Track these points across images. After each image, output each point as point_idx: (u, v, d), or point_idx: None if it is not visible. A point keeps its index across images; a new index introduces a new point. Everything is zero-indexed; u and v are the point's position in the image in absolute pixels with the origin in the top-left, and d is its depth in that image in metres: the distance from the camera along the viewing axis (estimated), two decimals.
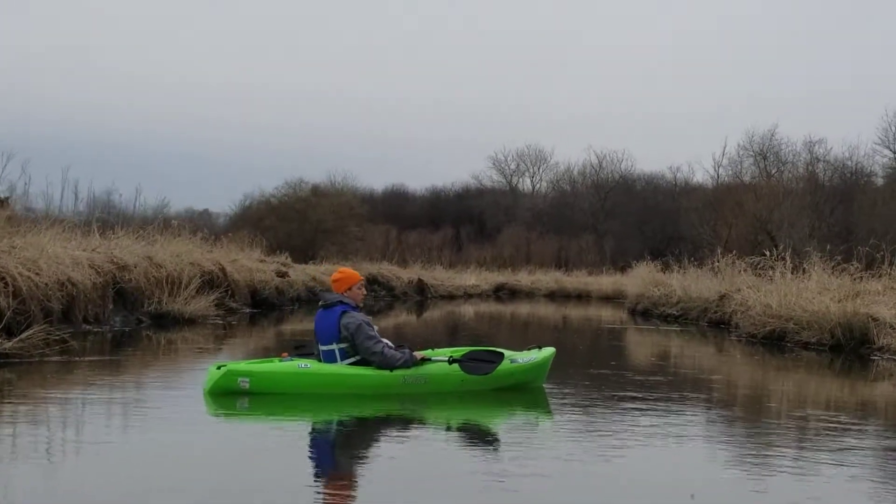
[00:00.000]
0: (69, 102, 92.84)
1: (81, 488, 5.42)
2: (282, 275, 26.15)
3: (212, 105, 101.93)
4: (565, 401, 9.42)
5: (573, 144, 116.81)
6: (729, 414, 9.42)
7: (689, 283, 25.55)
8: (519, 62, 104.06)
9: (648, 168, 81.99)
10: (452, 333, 19.21)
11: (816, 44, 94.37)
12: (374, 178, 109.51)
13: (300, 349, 9.49)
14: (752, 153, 58.20)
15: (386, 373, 8.81)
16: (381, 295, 35.64)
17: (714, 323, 21.81)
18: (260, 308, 23.29)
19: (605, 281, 47.52)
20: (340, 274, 9.43)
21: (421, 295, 39.04)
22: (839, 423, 8.48)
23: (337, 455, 6.90)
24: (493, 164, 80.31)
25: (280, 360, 8.91)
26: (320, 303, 9.16)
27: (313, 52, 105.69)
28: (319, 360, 8.94)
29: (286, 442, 7.05)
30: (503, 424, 8.37)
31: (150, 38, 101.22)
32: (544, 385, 9.90)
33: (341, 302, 8.97)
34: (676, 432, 7.74)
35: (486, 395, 9.20)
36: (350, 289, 9.18)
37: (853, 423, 8.55)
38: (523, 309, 34.95)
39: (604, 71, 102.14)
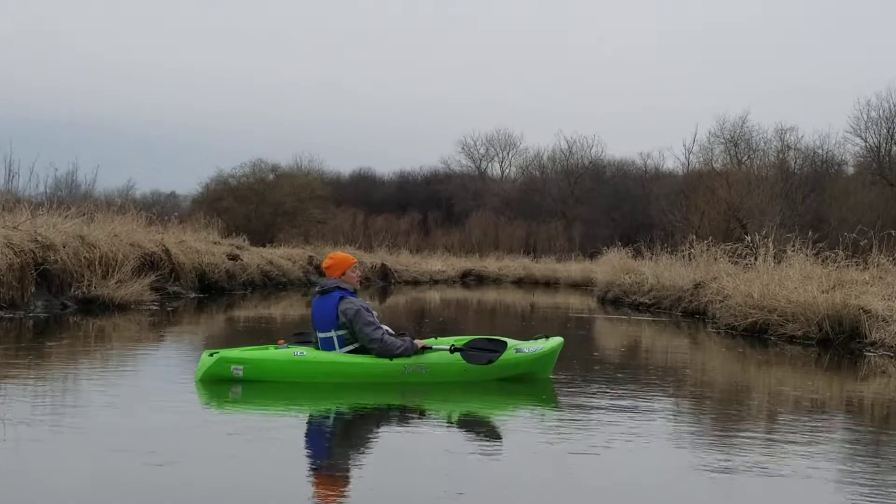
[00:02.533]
0: (38, 86, 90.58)
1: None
2: (233, 258, 24.80)
3: (185, 89, 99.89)
4: (535, 395, 8.95)
5: (543, 130, 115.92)
6: (712, 412, 8.60)
7: (662, 271, 24.48)
8: (491, 50, 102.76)
9: (619, 154, 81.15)
10: (417, 321, 18.03)
11: (788, 33, 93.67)
12: (342, 163, 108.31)
13: (299, 336, 9.20)
14: (722, 140, 57.43)
15: (385, 361, 8.58)
16: None
17: (689, 313, 20.70)
18: (208, 293, 21.95)
19: (574, 268, 46.65)
20: (332, 259, 9.08)
21: (384, 280, 37.92)
22: (827, 423, 8.04)
23: (333, 446, 6.62)
24: (463, 148, 79.58)
25: (276, 348, 8.70)
26: (316, 289, 8.98)
27: (289, 42, 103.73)
28: (318, 348, 8.70)
29: (281, 432, 6.75)
30: (507, 417, 8.00)
31: (123, 24, 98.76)
32: (552, 376, 9.51)
33: (339, 287, 8.70)
34: (655, 431, 7.23)
35: (489, 386, 8.90)
36: (344, 273, 8.89)
37: (841, 423, 8.14)
38: (490, 296, 34.01)
39: (575, 58, 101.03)
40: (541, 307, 27.31)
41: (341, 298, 8.58)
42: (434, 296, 31.16)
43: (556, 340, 9.54)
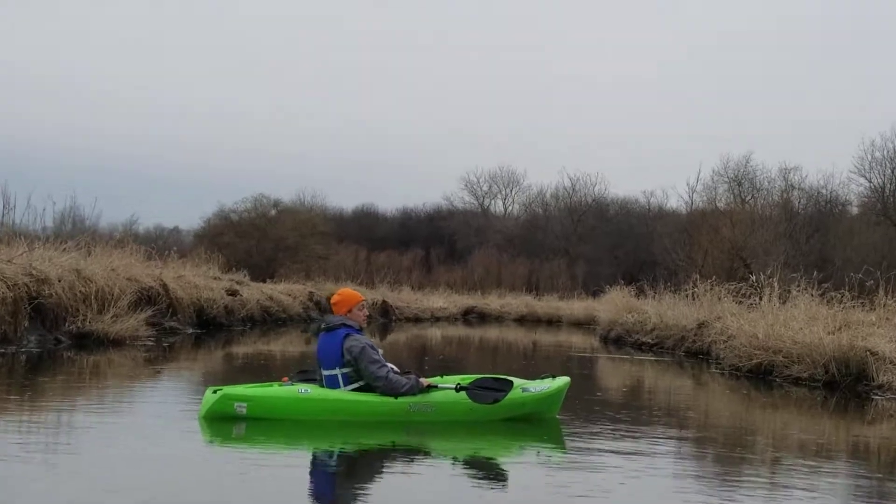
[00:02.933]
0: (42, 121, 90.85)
1: None
2: (232, 293, 24.56)
3: (185, 123, 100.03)
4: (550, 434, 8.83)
5: (546, 167, 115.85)
6: (716, 456, 8.36)
7: (665, 310, 24.18)
8: (494, 85, 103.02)
9: (622, 193, 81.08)
10: (418, 359, 17.80)
11: (794, 73, 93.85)
12: (345, 199, 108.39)
13: (303, 374, 9.14)
14: (726, 179, 57.42)
15: (390, 399, 8.52)
16: None
17: (692, 353, 20.40)
18: (206, 329, 21.71)
19: (577, 306, 46.31)
20: (340, 296, 9.07)
21: (385, 317, 37.65)
22: (832, 468, 7.85)
23: (337, 485, 6.58)
24: (466, 185, 79.54)
25: (280, 385, 8.63)
26: (322, 325, 8.90)
27: (292, 76, 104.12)
28: (322, 386, 8.66)
29: (283, 470, 6.73)
30: (513, 457, 7.93)
31: (130, 60, 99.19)
32: (559, 416, 9.41)
33: (344, 324, 8.69)
34: (660, 474, 7.13)
35: (495, 426, 8.76)
36: (351, 310, 8.89)
37: (847, 469, 7.95)
38: (492, 333, 33.71)
39: (579, 96, 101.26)
40: (543, 346, 27.02)
41: (346, 336, 8.56)
42: (435, 333, 30.85)
43: (562, 380, 9.41)
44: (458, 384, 8.79)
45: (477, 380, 8.96)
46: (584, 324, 39.90)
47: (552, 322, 45.44)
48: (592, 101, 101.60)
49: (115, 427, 8.11)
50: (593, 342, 27.60)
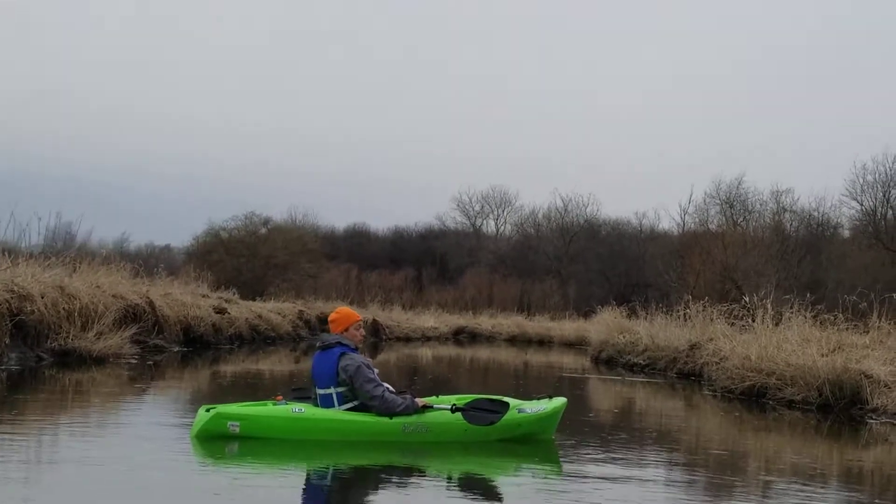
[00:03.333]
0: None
1: None
2: (220, 311, 24.31)
3: (181, 139, 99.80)
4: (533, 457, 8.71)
5: (538, 188, 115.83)
6: (708, 480, 8.23)
7: (657, 331, 24.02)
8: (488, 106, 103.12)
9: (614, 213, 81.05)
10: (408, 379, 17.58)
11: (786, 95, 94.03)
12: (337, 218, 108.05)
13: (297, 392, 9.10)
14: (718, 201, 57.45)
15: (385, 420, 8.44)
16: None
17: (684, 374, 20.22)
18: (193, 347, 21.46)
19: (568, 326, 46.19)
20: (337, 314, 9.01)
21: (375, 336, 37.41)
22: (825, 493, 7.67)
23: None
24: (458, 205, 79.46)
25: (274, 404, 8.53)
26: (318, 344, 8.84)
27: (285, 94, 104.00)
28: (316, 405, 8.57)
29: (278, 490, 6.68)
30: (508, 479, 7.85)
31: (113, 71, 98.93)
32: (557, 436, 9.39)
33: (340, 343, 8.63)
34: (652, 498, 7.04)
35: (491, 447, 8.69)
36: (347, 329, 8.83)
37: (840, 494, 7.80)
38: (483, 353, 33.53)
39: (572, 117, 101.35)
40: (534, 366, 26.82)
41: (342, 355, 8.48)
42: (426, 353, 30.68)
43: (559, 401, 9.36)
44: (454, 405, 8.70)
45: (473, 401, 8.90)
46: (575, 344, 39.77)
47: (543, 342, 45.28)
48: (586, 122, 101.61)
49: (101, 446, 7.99)
50: (584, 363, 27.43)
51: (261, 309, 29.62)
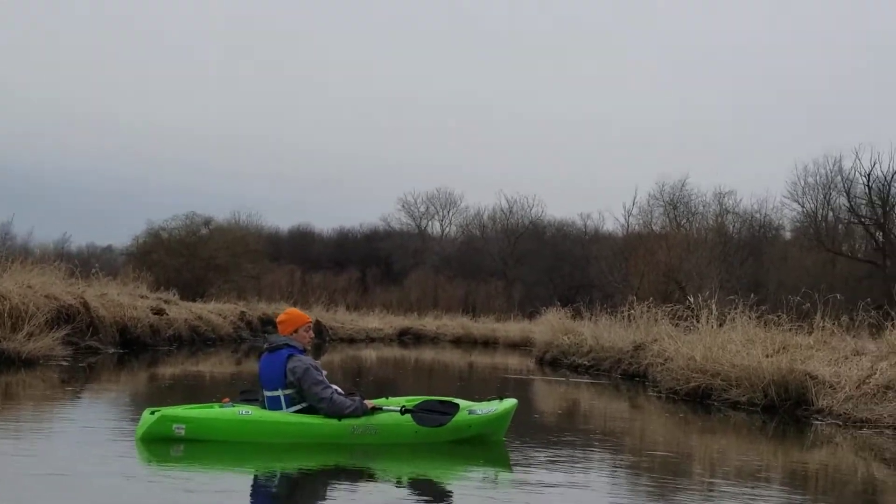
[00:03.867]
0: None
1: None
2: (158, 312, 23.78)
3: (123, 140, 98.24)
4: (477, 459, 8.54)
5: (484, 189, 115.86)
6: (651, 483, 8.04)
7: (602, 332, 23.97)
8: (432, 108, 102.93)
9: (559, 215, 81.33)
10: (352, 380, 17.29)
11: (728, 97, 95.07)
12: (281, 219, 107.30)
13: (245, 394, 8.91)
14: (662, 203, 57.92)
15: (334, 422, 8.33)
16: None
17: (629, 375, 20.14)
18: (130, 348, 20.94)
19: (513, 328, 46.16)
20: (287, 315, 8.90)
21: (319, 337, 36.95)
22: (769, 494, 7.55)
23: None
24: (403, 206, 79.28)
25: (220, 406, 8.40)
26: (265, 346, 8.72)
27: (229, 94, 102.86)
28: (264, 407, 8.44)
29: (225, 493, 6.59)
30: (458, 481, 7.71)
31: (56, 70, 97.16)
32: (507, 438, 9.31)
33: (288, 345, 8.51)
34: (596, 500, 6.98)
35: (440, 449, 8.62)
36: (297, 331, 8.72)
37: (784, 495, 7.66)
38: (427, 355, 33.31)
39: (516, 118, 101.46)
40: (479, 367, 26.62)
41: (290, 356, 8.37)
42: (370, 354, 30.41)
43: (509, 402, 9.28)
44: (403, 406, 8.62)
45: (422, 402, 8.80)
46: (520, 345, 39.71)
47: (488, 344, 45.23)
48: (530, 123, 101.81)
49: (38, 453, 7.70)
50: (529, 364, 27.32)
51: (201, 310, 29.09)
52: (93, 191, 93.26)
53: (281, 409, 8.37)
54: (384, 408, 8.67)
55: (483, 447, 8.92)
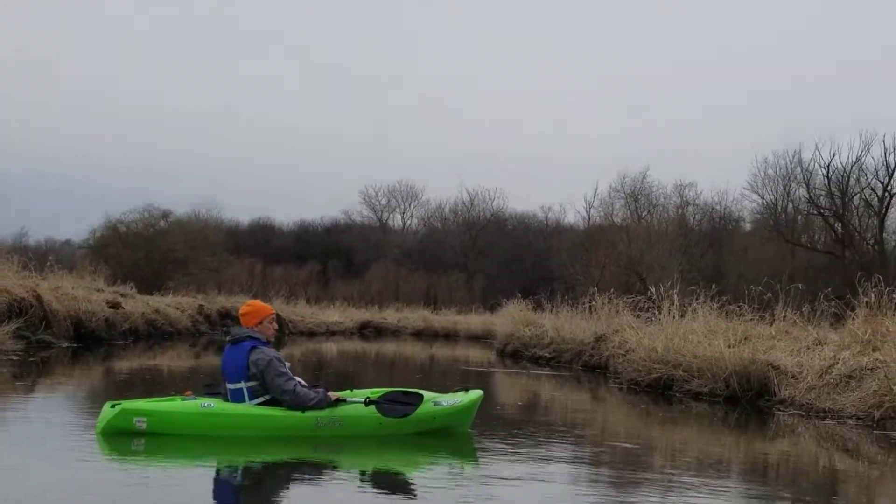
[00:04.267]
0: None
1: None
2: (114, 305, 23.39)
3: (76, 130, 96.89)
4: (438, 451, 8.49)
5: (445, 182, 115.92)
6: (612, 475, 8.03)
7: (563, 324, 23.89)
8: (394, 99, 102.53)
9: (521, 207, 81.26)
10: (311, 374, 17.08)
11: (687, 88, 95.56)
12: (241, 212, 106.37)
13: (209, 387, 8.79)
14: (623, 195, 57.91)
15: (297, 414, 8.26)
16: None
17: (590, 367, 20.07)
18: (84, 342, 20.56)
19: (474, 320, 46.11)
20: (250, 307, 8.82)
21: (278, 331, 36.61)
22: (731, 486, 7.56)
23: (242, 501, 6.38)
24: (364, 199, 78.87)
25: (183, 399, 8.32)
26: (228, 338, 8.61)
27: (188, 83, 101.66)
28: (227, 400, 8.36)
29: (184, 487, 6.47)
30: (423, 473, 7.68)
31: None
32: (471, 430, 9.30)
33: (251, 337, 8.43)
34: (558, 492, 6.88)
35: (405, 441, 8.61)
36: (261, 322, 8.65)
37: (745, 486, 7.67)
38: (389, 348, 33.10)
39: (476, 110, 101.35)
40: (440, 360, 26.45)
41: (253, 349, 8.30)
42: (331, 347, 30.20)
43: (475, 394, 9.28)
44: (368, 398, 8.60)
45: (386, 393, 8.79)
46: (481, 338, 39.67)
47: (449, 336, 45.18)
48: (491, 116, 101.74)
49: None
50: (490, 356, 27.23)
51: (158, 303, 28.72)
52: (51, 185, 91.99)
53: (244, 401, 8.30)
54: (348, 399, 8.64)
55: (448, 439, 8.87)
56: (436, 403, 8.85)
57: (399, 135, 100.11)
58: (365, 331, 47.13)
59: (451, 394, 9.23)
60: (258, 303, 9.01)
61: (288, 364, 8.48)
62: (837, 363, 12.23)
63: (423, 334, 46.48)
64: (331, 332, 41.80)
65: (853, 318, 13.52)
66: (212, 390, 8.69)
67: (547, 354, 23.11)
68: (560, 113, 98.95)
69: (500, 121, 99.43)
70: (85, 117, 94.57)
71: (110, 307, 23.12)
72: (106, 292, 25.53)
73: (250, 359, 8.24)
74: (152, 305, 27.64)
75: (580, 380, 18.51)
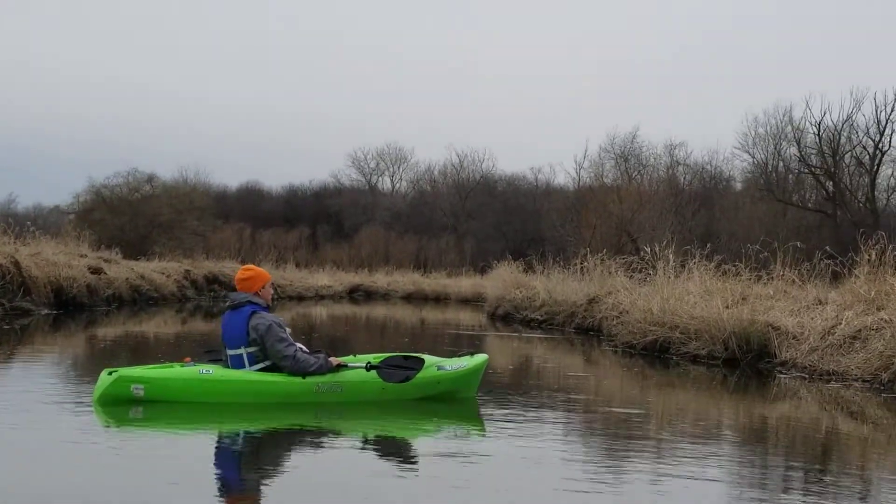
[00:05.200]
0: None
1: None
2: (96, 271, 22.90)
3: (71, 102, 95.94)
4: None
5: (434, 144, 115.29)
6: (604, 440, 7.70)
7: (554, 286, 23.53)
8: (383, 65, 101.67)
9: (510, 169, 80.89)
10: (302, 339, 16.67)
11: (677, 47, 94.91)
12: (230, 177, 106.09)
13: (211, 354, 8.66)
14: (613, 155, 57.57)
15: (298, 380, 8.10)
16: (221, 295, 32.79)
17: (583, 329, 19.71)
18: (65, 309, 20.09)
19: (465, 283, 45.83)
20: (251, 272, 8.63)
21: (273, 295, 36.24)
22: (723, 451, 7.26)
23: (241, 469, 6.15)
24: (353, 162, 78.55)
25: (182, 366, 8.17)
26: (227, 304, 8.46)
27: (174, 52, 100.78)
28: (227, 366, 8.22)
29: (183, 455, 6.34)
30: (426, 438, 7.49)
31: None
32: (477, 396, 9.11)
33: (251, 302, 8.29)
34: (538, 455, 6.62)
35: (410, 406, 8.41)
36: (264, 287, 8.48)
37: (745, 452, 7.31)
38: (378, 311, 32.82)
39: (464, 71, 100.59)
40: (430, 323, 26.06)
41: (253, 314, 8.16)
42: (320, 312, 29.91)
43: (480, 357, 9.13)
44: (369, 363, 8.45)
45: (387, 358, 8.65)
46: (471, 301, 39.46)
47: (440, 299, 44.95)
48: (480, 77, 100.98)
49: None
50: (481, 319, 26.93)
51: (144, 269, 28.26)
52: (42, 152, 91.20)
53: (244, 367, 8.17)
54: (349, 365, 8.51)
55: (453, 404, 8.69)
56: (440, 368, 8.70)
57: (387, 97, 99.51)
58: (355, 294, 46.92)
59: (455, 358, 9.07)
60: (256, 268, 8.81)
61: (289, 329, 8.32)
62: (840, 323, 11.78)
63: (413, 298, 46.29)
64: (320, 297, 41.54)
65: (855, 277, 13.09)
66: (213, 357, 8.57)
67: (539, 317, 22.78)
68: (547, 73, 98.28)
69: (486, 82, 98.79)
70: None
71: (92, 273, 22.65)
72: (89, 258, 25.06)
73: (250, 324, 8.12)
74: (137, 271, 27.20)
75: (573, 343, 18.15)
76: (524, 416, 8.50)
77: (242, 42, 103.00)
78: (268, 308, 8.43)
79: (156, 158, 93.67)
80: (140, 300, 25.64)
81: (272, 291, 8.77)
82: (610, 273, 20.69)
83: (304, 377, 8.11)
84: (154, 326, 19.33)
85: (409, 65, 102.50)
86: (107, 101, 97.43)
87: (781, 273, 14.68)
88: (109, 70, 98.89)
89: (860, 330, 11.35)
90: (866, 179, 46.24)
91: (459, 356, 9.16)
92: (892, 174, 47.03)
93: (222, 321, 8.41)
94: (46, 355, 12.73)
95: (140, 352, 13.23)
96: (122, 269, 25.87)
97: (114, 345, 14.67)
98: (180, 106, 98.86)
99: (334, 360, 8.40)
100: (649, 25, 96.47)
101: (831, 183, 46.74)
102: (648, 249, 17.43)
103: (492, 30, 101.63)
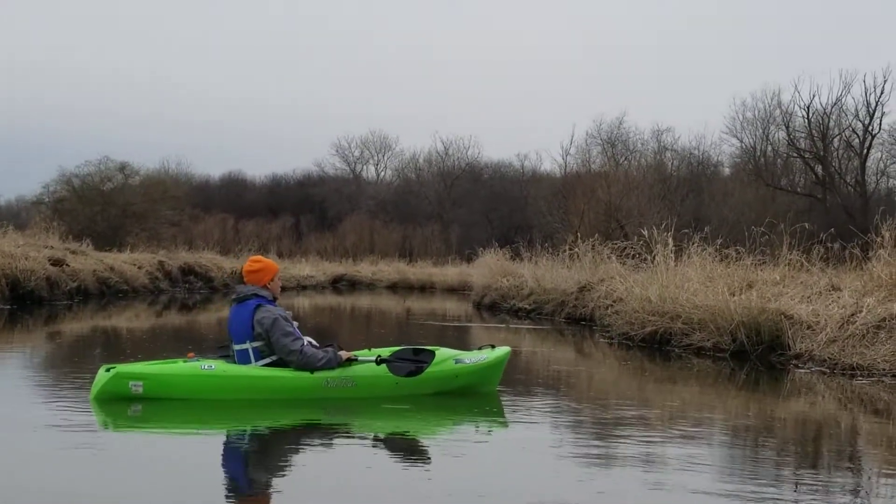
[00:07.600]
0: None
1: None
2: (57, 262, 21.69)
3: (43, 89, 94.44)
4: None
5: (419, 131, 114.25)
6: (604, 448, 6.77)
7: (543, 273, 22.51)
8: (366, 52, 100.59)
9: (496, 156, 79.83)
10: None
11: (663, 31, 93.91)
12: (212, 167, 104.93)
13: (222, 350, 8.29)
14: (600, 141, 56.83)
15: (306, 375, 7.85)
16: (196, 287, 31.76)
17: (574, 319, 18.66)
18: (21, 304, 18.96)
19: (451, 272, 44.98)
20: (260, 263, 8.30)
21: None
22: (735, 454, 6.73)
23: (247, 468, 5.97)
24: (337, 151, 77.39)
25: (185, 361, 7.89)
26: (233, 297, 8.27)
27: (158, 41, 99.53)
28: (234, 362, 7.98)
29: (185, 454, 6.17)
30: (440, 435, 7.17)
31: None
32: (498, 390, 8.76)
33: (256, 295, 8.05)
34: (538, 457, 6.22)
35: (424, 402, 8.05)
36: (273, 280, 8.24)
37: (755, 453, 6.67)
38: (362, 302, 32.07)
39: (449, 57, 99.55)
40: (415, 314, 25.02)
41: (258, 307, 7.93)
42: (302, 302, 29.02)
43: (501, 350, 8.81)
44: (379, 356, 8.14)
45: (397, 351, 8.36)
46: (458, 290, 38.82)
47: (425, 289, 44.38)
48: (464, 64, 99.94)
49: None
50: (467, 309, 26.01)
51: (113, 260, 27.12)
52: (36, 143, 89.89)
53: (250, 362, 7.91)
54: (360, 359, 8.15)
55: (469, 399, 8.30)
56: (458, 361, 8.40)
57: (371, 85, 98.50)
58: (338, 284, 46.15)
59: (475, 351, 8.73)
60: (266, 259, 8.47)
61: (296, 323, 8.06)
62: (861, 311, 10.67)
63: (399, 287, 45.66)
64: (302, 287, 40.69)
65: (876, 260, 11.98)
66: (223, 352, 8.24)
67: (527, 306, 21.79)
68: (533, 60, 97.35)
69: (470, 68, 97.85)
70: None
71: (53, 265, 21.44)
72: (56, 249, 23.89)
73: (255, 317, 7.87)
74: (106, 262, 26.06)
75: (563, 333, 17.15)
76: (512, 415, 8.00)
77: (223, 30, 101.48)
78: (274, 301, 8.17)
79: (136, 149, 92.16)
80: (108, 293, 24.52)
81: (280, 283, 8.44)
82: (602, 259, 19.63)
83: (312, 372, 7.82)
84: (124, 321, 18.43)
85: (392, 51, 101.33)
86: (82, 89, 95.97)
87: (789, 257, 13.52)
88: (81, 60, 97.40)
89: (885, 319, 10.26)
90: (856, 163, 45.67)
91: (480, 349, 8.80)
92: (882, 157, 46.42)
93: (228, 315, 8.16)
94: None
95: (111, 348, 12.71)
96: (89, 261, 24.74)
97: (74, 341, 13.90)
98: (159, 94, 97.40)
99: (345, 354, 8.06)
100: (635, 10, 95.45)
101: (821, 167, 46.11)
102: (645, 233, 16.28)
103: (477, 15, 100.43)
